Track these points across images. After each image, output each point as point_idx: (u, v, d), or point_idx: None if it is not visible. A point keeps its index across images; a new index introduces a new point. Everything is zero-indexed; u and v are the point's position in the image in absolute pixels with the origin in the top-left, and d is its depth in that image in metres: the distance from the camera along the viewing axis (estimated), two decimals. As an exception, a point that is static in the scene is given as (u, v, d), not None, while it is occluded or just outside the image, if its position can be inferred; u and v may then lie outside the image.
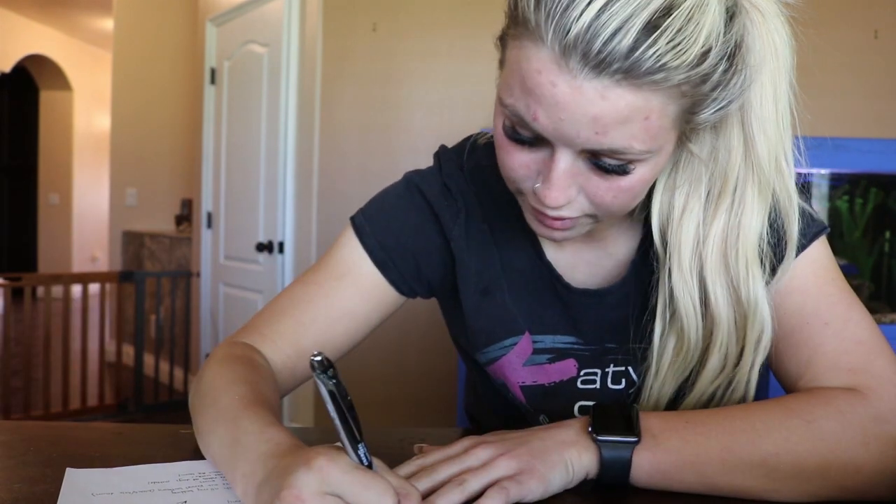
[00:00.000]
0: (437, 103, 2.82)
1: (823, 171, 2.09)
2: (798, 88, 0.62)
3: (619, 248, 0.76)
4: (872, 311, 2.01)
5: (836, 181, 2.13)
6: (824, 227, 0.70)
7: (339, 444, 0.49)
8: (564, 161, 0.57)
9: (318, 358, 0.45)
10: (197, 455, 0.63)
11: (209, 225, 3.68)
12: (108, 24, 5.66)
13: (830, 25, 2.48)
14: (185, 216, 4.30)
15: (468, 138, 0.82)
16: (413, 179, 0.81)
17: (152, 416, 3.61)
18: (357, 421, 0.47)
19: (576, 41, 0.51)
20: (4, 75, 6.40)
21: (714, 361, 0.67)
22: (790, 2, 0.60)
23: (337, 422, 0.47)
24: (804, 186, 0.68)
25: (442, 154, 0.81)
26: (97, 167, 7.13)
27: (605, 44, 0.50)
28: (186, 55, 4.14)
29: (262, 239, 3.22)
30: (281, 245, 3.13)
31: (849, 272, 2.13)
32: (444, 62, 2.79)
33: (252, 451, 0.53)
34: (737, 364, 0.66)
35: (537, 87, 0.54)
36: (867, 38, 2.54)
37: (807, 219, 0.67)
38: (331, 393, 0.45)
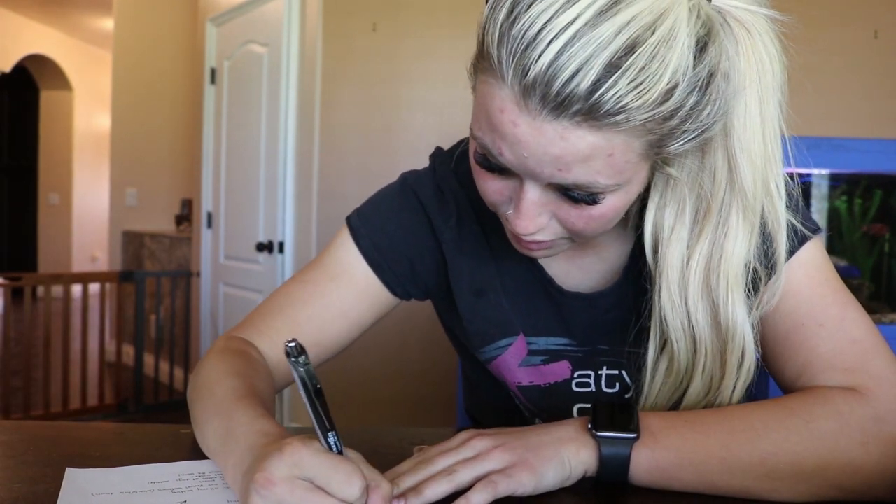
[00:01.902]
0: (437, 103, 2.82)
1: (823, 171, 2.09)
2: (792, 96, 0.59)
3: (611, 254, 0.76)
4: (872, 311, 2.01)
5: (836, 181, 2.13)
6: (814, 230, 0.68)
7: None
8: (533, 192, 0.57)
9: (293, 344, 0.46)
10: (197, 455, 0.63)
11: (209, 225, 3.68)
12: (108, 24, 5.66)
13: (830, 25, 2.48)
14: (185, 216, 4.30)
15: (460, 142, 0.81)
16: (408, 180, 0.81)
17: (152, 416, 3.61)
18: (326, 408, 0.49)
19: (535, 83, 0.50)
20: (4, 75, 6.40)
21: (697, 385, 0.66)
22: (779, 17, 0.58)
23: (309, 408, 0.49)
24: (793, 193, 0.65)
25: (436, 156, 0.82)
26: (97, 167, 7.13)
27: (564, 86, 0.49)
28: (186, 55, 4.14)
29: (262, 239, 3.22)
30: (281, 245, 3.13)
31: (849, 273, 2.12)
32: (444, 62, 2.79)
33: (242, 441, 0.54)
34: (719, 387, 0.66)
35: (500, 126, 0.54)
36: (867, 38, 2.54)
37: (797, 228, 0.65)
38: (301, 379, 0.47)
